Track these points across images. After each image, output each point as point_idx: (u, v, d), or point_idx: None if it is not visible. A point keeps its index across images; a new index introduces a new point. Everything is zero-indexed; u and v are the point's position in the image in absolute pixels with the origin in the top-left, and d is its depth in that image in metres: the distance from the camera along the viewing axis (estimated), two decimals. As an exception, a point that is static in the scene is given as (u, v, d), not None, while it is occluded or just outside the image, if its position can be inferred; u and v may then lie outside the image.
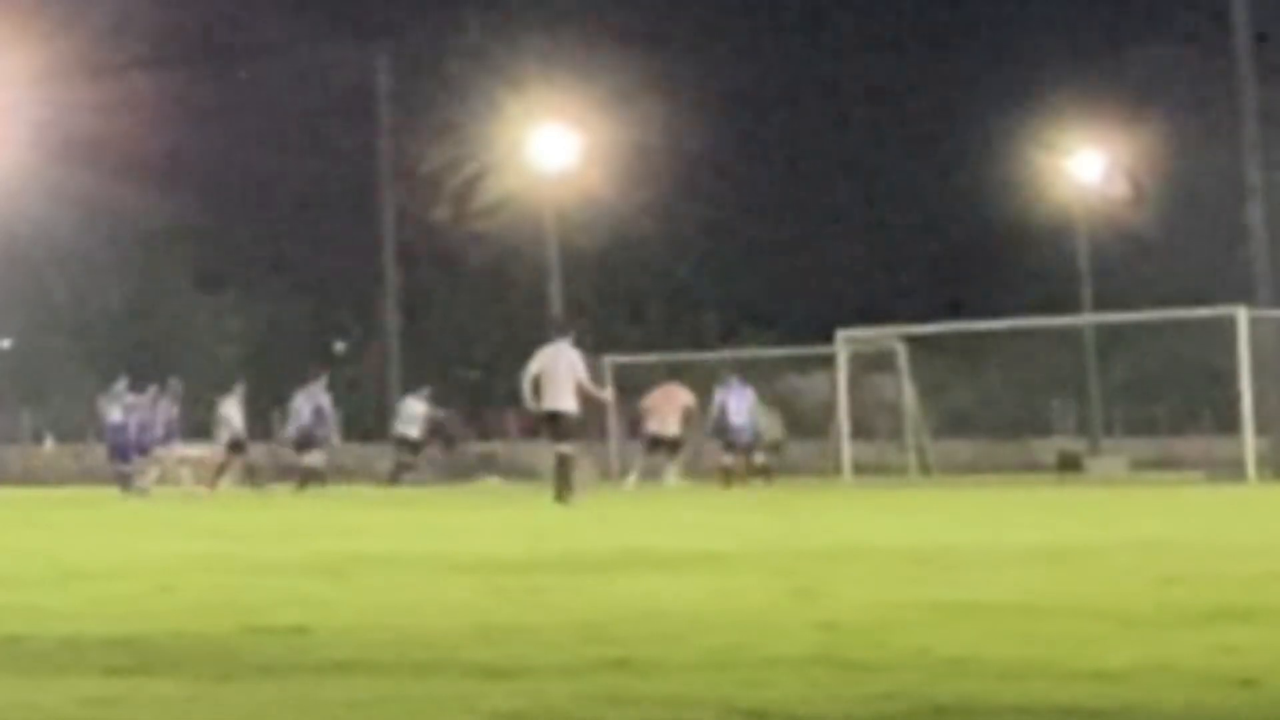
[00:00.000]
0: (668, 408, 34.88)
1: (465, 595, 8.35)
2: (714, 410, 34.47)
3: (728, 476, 32.94)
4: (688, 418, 35.04)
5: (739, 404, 34.17)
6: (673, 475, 34.57)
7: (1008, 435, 46.84)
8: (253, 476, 38.49)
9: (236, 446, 38.33)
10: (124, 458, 36.41)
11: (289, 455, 36.37)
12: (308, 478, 34.44)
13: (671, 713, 4.74)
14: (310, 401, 35.53)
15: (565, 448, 22.67)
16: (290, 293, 58.27)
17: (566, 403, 22.52)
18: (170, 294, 57.81)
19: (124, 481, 35.69)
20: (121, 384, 37.55)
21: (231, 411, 38.25)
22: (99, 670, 5.65)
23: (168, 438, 37.71)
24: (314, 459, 35.38)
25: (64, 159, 47.59)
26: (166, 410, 37.50)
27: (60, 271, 55.86)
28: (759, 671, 5.44)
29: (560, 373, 22.47)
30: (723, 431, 34.02)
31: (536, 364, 22.80)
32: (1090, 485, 31.97)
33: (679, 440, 35.19)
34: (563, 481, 22.13)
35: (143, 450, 37.17)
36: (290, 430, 36.17)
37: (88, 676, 5.52)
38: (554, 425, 22.82)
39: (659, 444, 34.75)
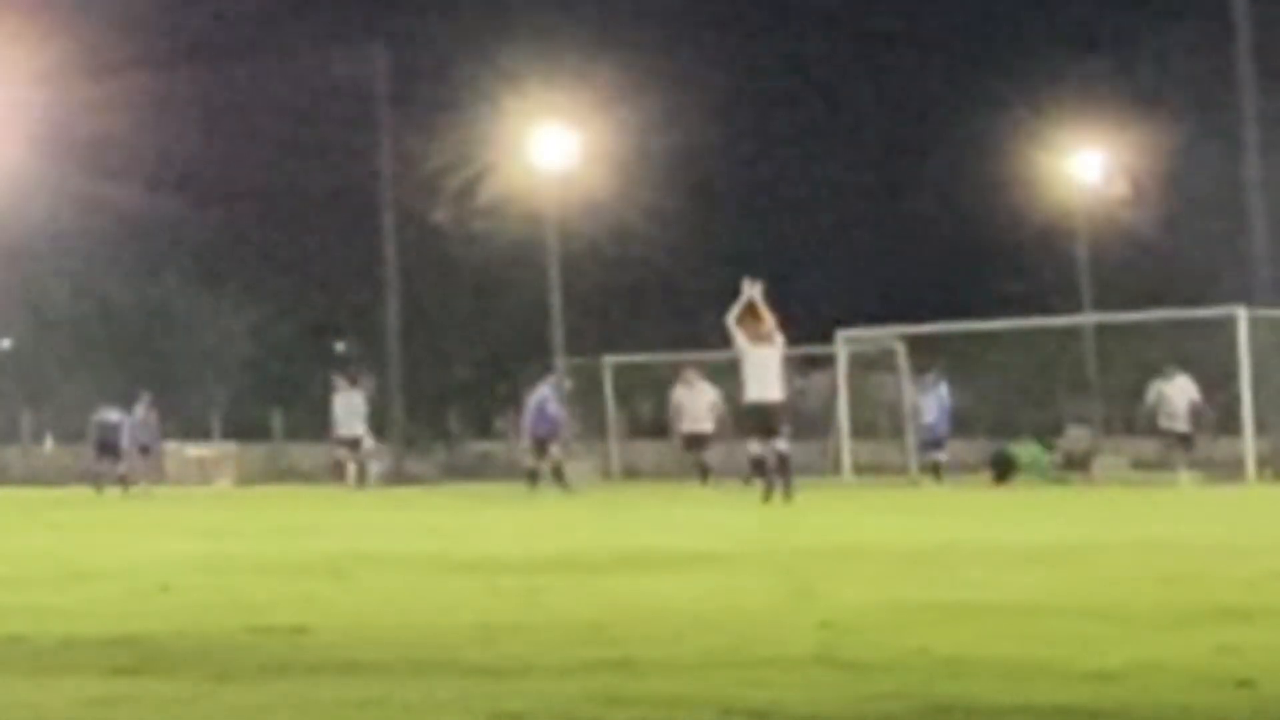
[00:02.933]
0: (701, 404, 34.33)
1: (465, 595, 8.35)
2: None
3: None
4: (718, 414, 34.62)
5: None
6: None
7: (1008, 435, 46.79)
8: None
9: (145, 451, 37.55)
10: (115, 456, 36.38)
11: (524, 454, 34.87)
12: (556, 475, 33.19)
13: (671, 713, 4.74)
14: (537, 401, 34.20)
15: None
16: (290, 293, 58.23)
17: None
18: (170, 294, 57.77)
19: (114, 480, 35.65)
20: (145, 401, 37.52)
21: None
22: (99, 670, 5.65)
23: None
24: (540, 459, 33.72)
25: (64, 159, 47.58)
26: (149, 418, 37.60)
27: (60, 272, 55.83)
28: (759, 671, 5.44)
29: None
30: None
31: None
32: (1090, 485, 31.96)
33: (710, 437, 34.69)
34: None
35: (143, 450, 37.19)
36: (529, 429, 34.58)
37: (88, 676, 5.52)
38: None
39: (697, 442, 34.14)
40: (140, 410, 37.63)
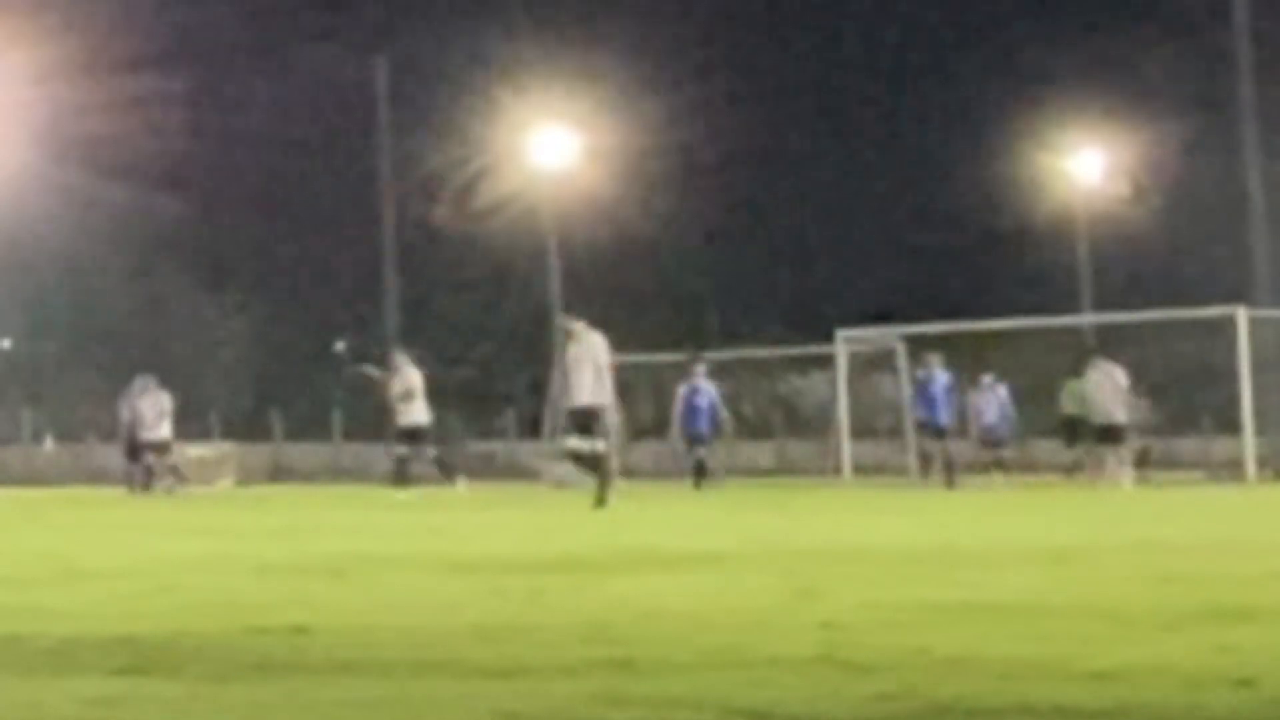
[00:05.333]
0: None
1: (465, 595, 8.35)
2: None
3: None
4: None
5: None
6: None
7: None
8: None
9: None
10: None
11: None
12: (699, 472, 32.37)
13: (672, 713, 4.74)
14: (692, 390, 33.64)
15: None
16: (291, 293, 58.28)
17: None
18: (170, 294, 57.83)
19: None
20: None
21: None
22: (99, 670, 5.65)
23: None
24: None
25: (64, 159, 47.62)
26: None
27: (60, 272, 55.87)
28: (759, 671, 5.44)
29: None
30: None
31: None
32: (1091, 485, 31.96)
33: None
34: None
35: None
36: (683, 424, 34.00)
37: (88, 676, 5.52)
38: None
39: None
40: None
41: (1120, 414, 31.19)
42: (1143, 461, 34.28)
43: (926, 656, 5.72)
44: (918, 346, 37.38)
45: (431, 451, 30.31)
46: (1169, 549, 11.44)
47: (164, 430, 35.16)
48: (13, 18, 41.89)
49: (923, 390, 32.18)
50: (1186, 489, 28.15)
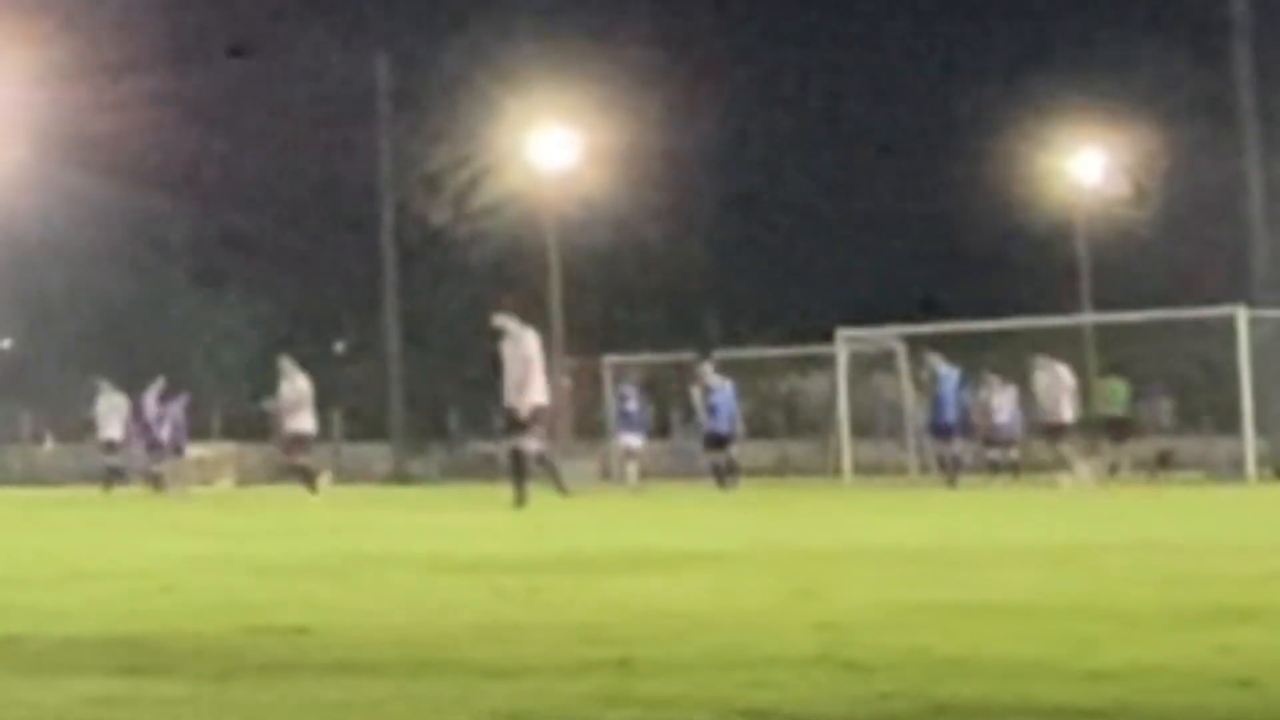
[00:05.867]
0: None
1: (465, 595, 8.35)
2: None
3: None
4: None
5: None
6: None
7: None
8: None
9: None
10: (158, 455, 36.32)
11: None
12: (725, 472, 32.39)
13: (671, 713, 4.74)
14: (707, 390, 33.40)
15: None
16: (291, 293, 58.26)
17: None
18: (170, 294, 57.82)
19: (158, 480, 35.58)
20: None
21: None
22: (99, 670, 5.65)
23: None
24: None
25: (64, 159, 47.60)
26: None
27: (60, 272, 55.86)
28: (759, 671, 5.44)
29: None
30: None
31: None
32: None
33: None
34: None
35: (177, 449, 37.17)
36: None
37: (88, 676, 5.52)
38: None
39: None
40: (177, 406, 37.63)
41: (1068, 413, 31.08)
42: (1165, 463, 34.26)
43: (926, 656, 5.71)
44: (918, 346, 37.41)
45: (293, 459, 30.23)
46: (1169, 549, 11.44)
47: (112, 430, 35.32)
48: (13, 18, 41.89)
49: (929, 391, 32.09)
50: (1187, 489, 28.15)
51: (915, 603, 7.49)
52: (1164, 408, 36.86)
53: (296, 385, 30.19)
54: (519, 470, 21.06)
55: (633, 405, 33.86)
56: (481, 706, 4.82)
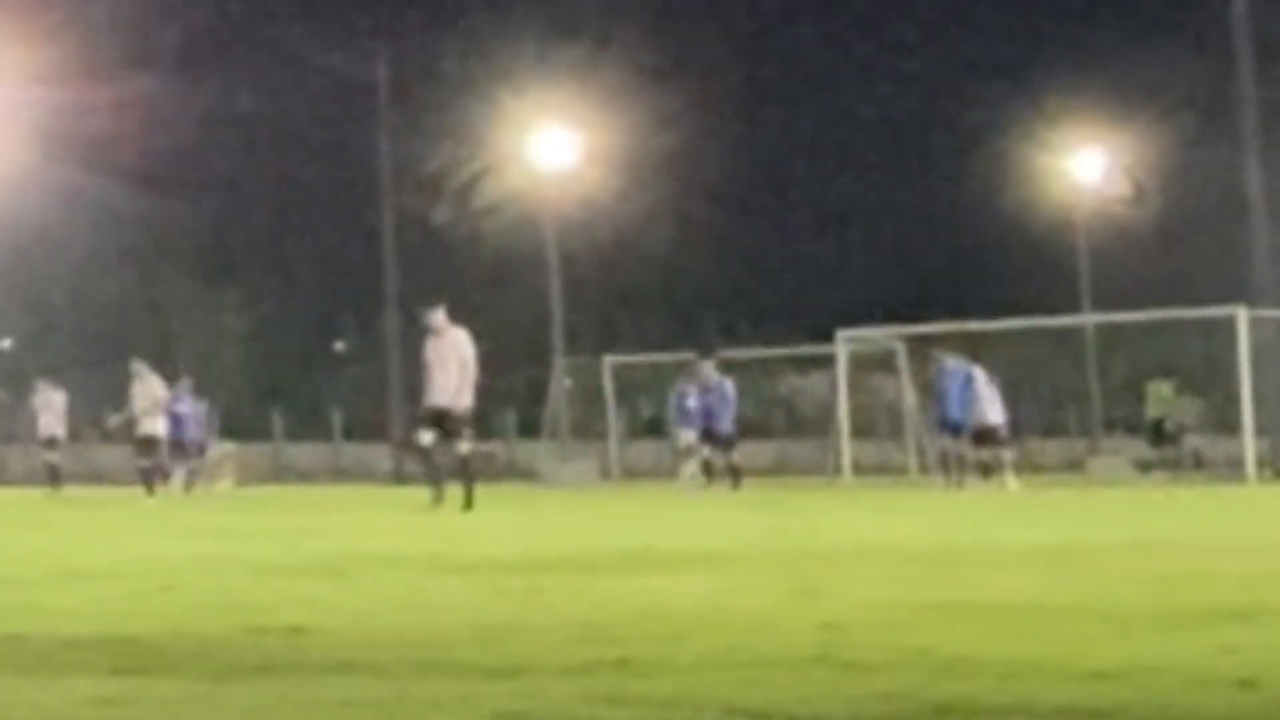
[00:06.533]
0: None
1: (465, 595, 8.35)
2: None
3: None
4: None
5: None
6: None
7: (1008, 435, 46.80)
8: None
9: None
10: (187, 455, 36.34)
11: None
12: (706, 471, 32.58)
13: (671, 713, 4.74)
14: (705, 390, 33.35)
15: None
16: (291, 292, 58.28)
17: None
18: (171, 294, 57.83)
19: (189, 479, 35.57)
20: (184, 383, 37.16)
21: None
22: (99, 670, 5.65)
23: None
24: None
25: (64, 159, 47.59)
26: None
27: (60, 271, 55.86)
28: (759, 671, 5.44)
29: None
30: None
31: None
32: (1090, 485, 31.96)
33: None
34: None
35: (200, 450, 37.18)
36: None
37: (88, 676, 5.52)
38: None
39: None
40: (201, 406, 37.70)
41: (995, 415, 30.79)
42: (1198, 464, 34.19)
43: (926, 656, 5.71)
44: (917, 347, 37.41)
45: (144, 462, 30.07)
46: (1169, 549, 11.44)
47: (54, 428, 35.10)
48: (13, 18, 41.88)
49: (935, 387, 31.74)
50: (1186, 489, 28.14)
51: (915, 603, 7.49)
52: (1192, 408, 36.85)
53: (149, 388, 30.00)
54: (468, 473, 20.58)
55: (693, 403, 33.69)
56: (481, 706, 4.81)
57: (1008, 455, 30.82)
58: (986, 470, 33.36)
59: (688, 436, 33.59)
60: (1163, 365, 37.74)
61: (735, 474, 32.02)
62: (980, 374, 31.08)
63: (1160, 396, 34.34)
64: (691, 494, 28.92)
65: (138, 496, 28.31)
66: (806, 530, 15.13)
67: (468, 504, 19.81)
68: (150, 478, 29.80)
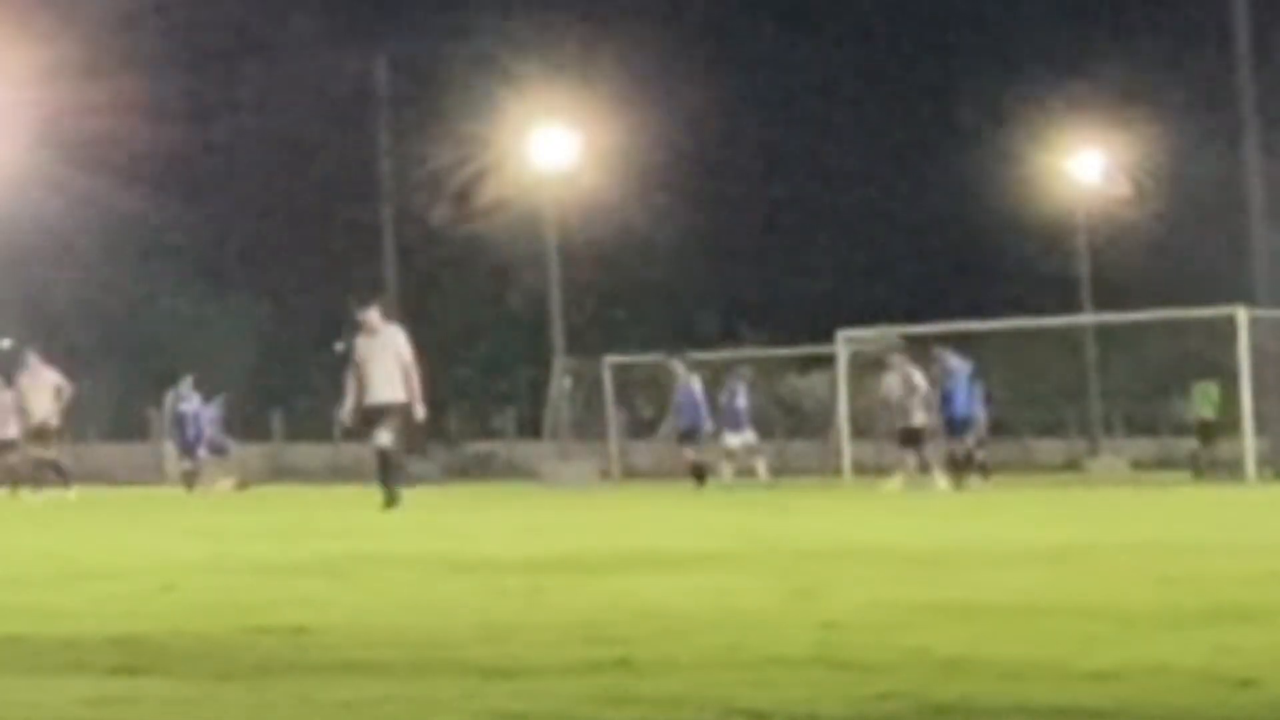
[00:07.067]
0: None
1: (465, 595, 8.35)
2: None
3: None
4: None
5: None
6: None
7: (1008, 435, 46.83)
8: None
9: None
10: (192, 453, 36.31)
11: None
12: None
13: (671, 713, 4.74)
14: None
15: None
16: (291, 293, 58.27)
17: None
18: (171, 294, 57.83)
19: (190, 479, 35.52)
20: (188, 383, 37.16)
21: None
22: (99, 670, 5.65)
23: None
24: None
25: (64, 159, 47.58)
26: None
27: (60, 272, 55.86)
28: (759, 671, 5.44)
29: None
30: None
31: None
32: (1090, 485, 31.97)
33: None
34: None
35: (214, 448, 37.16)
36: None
37: (88, 676, 5.52)
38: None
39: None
40: (215, 403, 37.69)
41: (919, 416, 30.57)
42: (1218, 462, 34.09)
43: (926, 656, 5.71)
44: (917, 347, 37.39)
45: (38, 453, 29.23)
46: (1169, 549, 11.44)
47: (10, 430, 33.87)
48: (13, 18, 41.87)
49: (940, 387, 31.53)
50: (1186, 489, 28.15)
51: (915, 603, 7.49)
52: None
53: (40, 379, 29.11)
54: (386, 469, 20.31)
55: (742, 401, 33.69)
56: (481, 706, 4.82)
57: (931, 454, 30.61)
58: (924, 469, 32.97)
59: (740, 437, 33.60)
60: (1210, 365, 37.64)
61: (700, 472, 32.22)
62: (918, 376, 30.94)
63: (1209, 397, 34.35)
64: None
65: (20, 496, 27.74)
66: (806, 530, 15.13)
67: (389, 501, 19.54)
68: (8, 476, 28.64)
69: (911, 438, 30.50)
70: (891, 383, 31.11)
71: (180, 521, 18.64)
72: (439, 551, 11.87)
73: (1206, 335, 39.18)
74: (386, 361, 20.32)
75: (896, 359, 31.54)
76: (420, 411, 20.43)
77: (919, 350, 35.70)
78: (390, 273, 47.67)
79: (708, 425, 33.25)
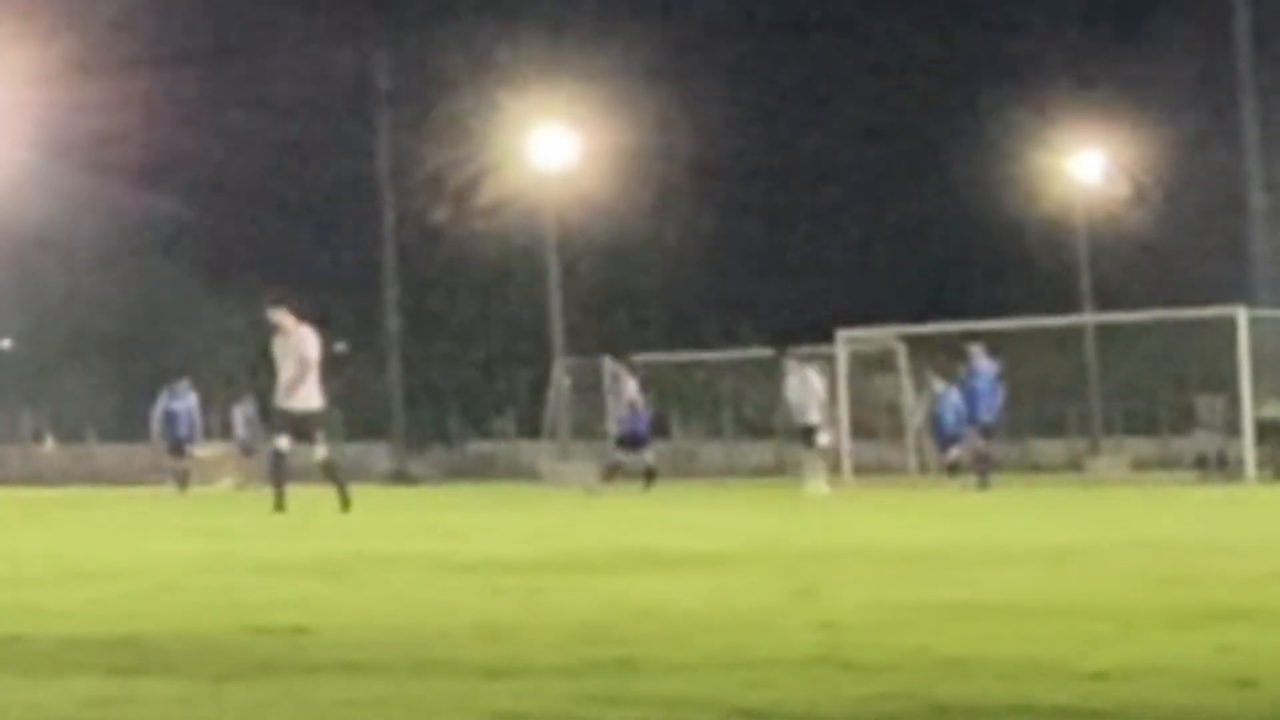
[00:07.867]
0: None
1: (465, 595, 8.35)
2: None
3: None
4: None
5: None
6: None
7: (1008, 435, 46.80)
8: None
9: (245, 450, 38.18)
10: (180, 451, 36.53)
11: None
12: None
13: (671, 713, 4.74)
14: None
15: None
16: (291, 293, 58.25)
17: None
18: (171, 294, 57.79)
19: (181, 477, 35.76)
20: (184, 384, 37.43)
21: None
22: (99, 670, 5.65)
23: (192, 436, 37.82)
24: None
25: (64, 159, 47.56)
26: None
27: (60, 272, 55.85)
28: (759, 671, 5.44)
29: None
30: None
31: None
32: (1090, 485, 31.96)
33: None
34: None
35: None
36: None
37: (88, 676, 5.52)
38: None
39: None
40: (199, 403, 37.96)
41: (814, 416, 30.37)
42: (1223, 463, 33.97)
43: (926, 656, 5.72)
44: (918, 346, 37.41)
45: None
46: (1169, 549, 11.44)
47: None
48: (13, 18, 41.86)
49: (965, 386, 31.30)
50: (1186, 489, 28.14)
51: (915, 603, 7.49)
52: (1216, 406, 36.72)
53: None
54: (279, 472, 20.21)
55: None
56: (481, 706, 4.82)
57: (821, 454, 30.44)
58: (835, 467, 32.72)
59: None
60: (1165, 364, 37.67)
61: (650, 475, 32.50)
62: (813, 374, 30.80)
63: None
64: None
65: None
66: (806, 530, 15.13)
67: (344, 505, 19.42)
68: None
69: (810, 435, 30.41)
70: (791, 383, 31.08)
71: (180, 521, 18.63)
72: (439, 551, 11.87)
73: (1206, 335, 39.16)
74: (290, 363, 20.27)
75: (792, 363, 31.50)
76: (294, 405, 20.28)
77: (952, 349, 35.27)
78: (390, 273, 47.65)
79: (643, 428, 33.86)
